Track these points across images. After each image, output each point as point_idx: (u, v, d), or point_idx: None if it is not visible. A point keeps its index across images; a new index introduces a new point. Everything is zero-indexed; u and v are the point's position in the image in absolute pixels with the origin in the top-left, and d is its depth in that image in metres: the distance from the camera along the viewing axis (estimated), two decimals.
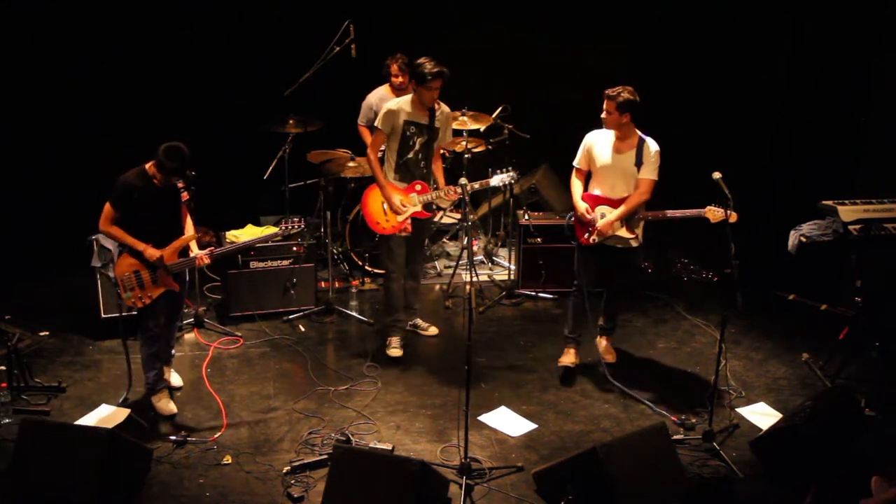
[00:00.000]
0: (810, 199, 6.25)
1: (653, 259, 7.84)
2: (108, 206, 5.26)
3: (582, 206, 5.79)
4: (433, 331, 6.59)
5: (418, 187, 6.02)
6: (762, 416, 5.63)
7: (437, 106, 5.97)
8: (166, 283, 5.36)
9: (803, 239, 6.08)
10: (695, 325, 6.84)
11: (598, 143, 5.77)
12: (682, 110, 7.92)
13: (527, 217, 7.24)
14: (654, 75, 8.05)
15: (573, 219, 5.91)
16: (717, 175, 5.19)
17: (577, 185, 5.89)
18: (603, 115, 5.66)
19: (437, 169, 6.17)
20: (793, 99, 7.46)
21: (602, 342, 6.23)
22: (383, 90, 7.47)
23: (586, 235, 5.82)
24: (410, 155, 5.99)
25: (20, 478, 4.62)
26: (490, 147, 7.55)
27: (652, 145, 5.68)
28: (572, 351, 6.10)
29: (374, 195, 6.08)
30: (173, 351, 5.88)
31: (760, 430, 5.41)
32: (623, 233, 5.75)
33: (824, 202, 6.03)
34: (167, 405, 5.54)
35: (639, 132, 5.71)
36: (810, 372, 6.15)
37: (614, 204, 5.73)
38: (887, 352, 6.07)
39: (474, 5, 8.15)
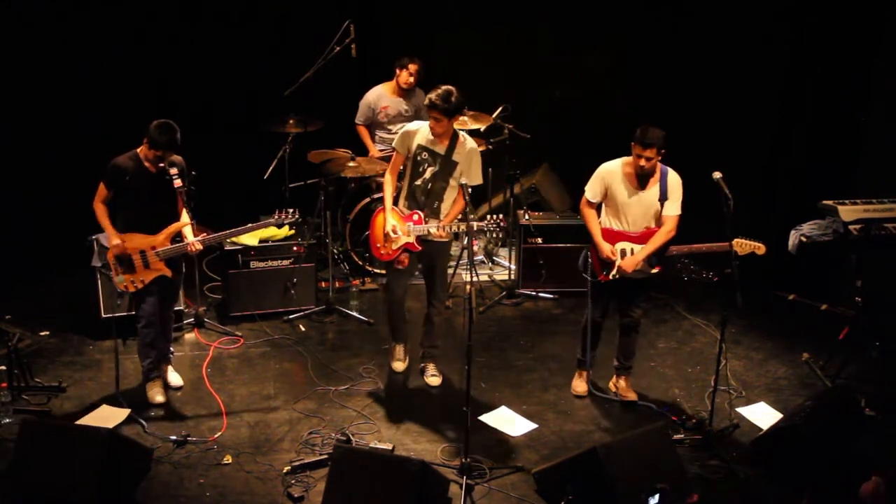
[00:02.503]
0: (810, 199, 6.26)
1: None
2: (101, 184, 5.40)
3: (607, 247, 5.44)
4: (434, 381, 5.99)
5: (415, 217, 5.62)
6: (762, 415, 5.63)
7: (460, 138, 5.56)
8: (158, 268, 5.42)
9: (804, 239, 6.08)
10: (695, 325, 6.85)
11: (617, 178, 5.41)
12: (683, 110, 7.91)
13: (527, 217, 7.24)
14: (655, 75, 8.07)
15: (591, 254, 5.60)
16: (717, 175, 5.17)
17: (594, 222, 5.52)
18: (642, 164, 5.25)
19: (455, 205, 5.62)
20: (793, 99, 7.46)
21: (621, 382, 5.84)
22: (381, 88, 7.49)
23: (605, 272, 5.52)
24: (419, 182, 5.60)
25: (20, 478, 4.62)
26: (490, 147, 7.55)
27: (675, 178, 5.39)
28: (585, 374, 5.90)
29: (380, 218, 5.76)
30: (171, 348, 5.90)
31: (760, 429, 5.41)
32: (646, 268, 5.48)
33: (824, 202, 6.03)
34: (157, 395, 5.63)
35: (659, 163, 5.37)
36: (810, 372, 6.15)
37: (635, 239, 5.45)
38: (887, 352, 6.08)
39: (474, 5, 8.15)
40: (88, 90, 7.38)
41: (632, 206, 5.42)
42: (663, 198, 5.37)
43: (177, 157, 5.50)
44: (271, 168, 7.26)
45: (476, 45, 8.18)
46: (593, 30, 8.16)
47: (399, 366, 6.10)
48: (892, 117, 6.90)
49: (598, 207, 5.57)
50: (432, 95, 5.38)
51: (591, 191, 5.51)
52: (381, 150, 7.51)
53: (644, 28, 8.09)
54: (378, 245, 5.76)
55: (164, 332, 5.75)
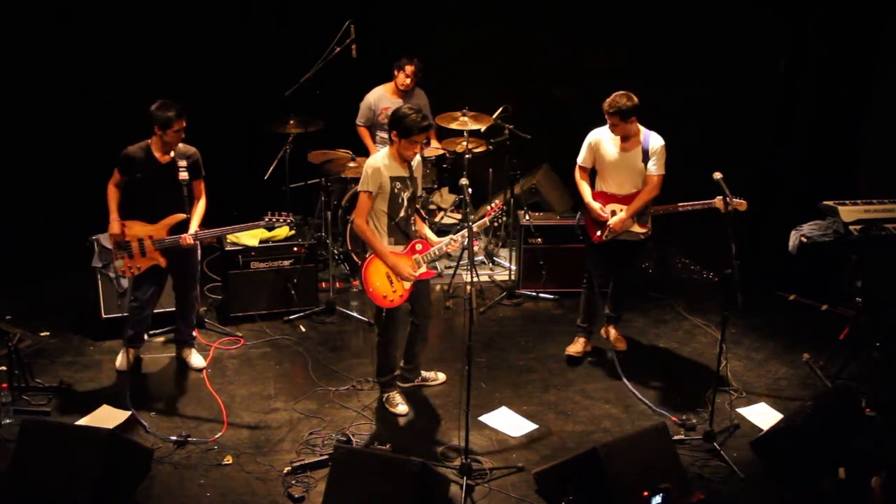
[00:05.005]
0: (811, 199, 6.26)
1: (653, 259, 7.84)
2: (115, 170, 5.63)
3: (596, 205, 5.87)
4: (441, 377, 5.99)
5: (419, 247, 5.42)
6: (763, 416, 5.63)
7: None
8: (153, 257, 5.63)
9: (804, 239, 6.08)
10: (695, 326, 6.84)
11: (604, 142, 5.84)
12: (683, 110, 7.91)
13: (527, 217, 7.24)
14: (655, 75, 8.06)
15: (584, 217, 6.01)
16: (717, 175, 5.20)
17: (585, 185, 5.95)
18: (610, 129, 5.76)
19: (420, 223, 5.58)
20: (793, 99, 7.46)
21: (611, 331, 6.32)
22: (381, 90, 7.50)
23: (598, 233, 5.90)
24: (402, 213, 5.37)
25: (20, 478, 4.62)
26: (490, 147, 7.55)
27: (657, 140, 5.77)
28: (582, 340, 6.25)
29: (374, 268, 5.36)
30: (194, 333, 6.14)
31: (761, 430, 5.41)
32: (636, 228, 5.86)
33: (825, 202, 6.03)
34: (123, 360, 5.94)
35: (642, 128, 5.78)
36: (811, 372, 6.15)
37: (623, 201, 5.83)
38: (887, 352, 6.07)
39: (475, 5, 8.15)
40: (88, 91, 7.38)
41: (618, 166, 5.81)
42: (646, 158, 5.74)
43: (190, 149, 5.70)
44: (271, 168, 7.26)
45: (476, 44, 8.18)
46: (593, 29, 8.16)
47: (404, 409, 5.67)
48: (893, 117, 6.90)
49: (591, 175, 5.97)
50: (417, 120, 5.16)
51: (581, 156, 5.94)
52: None
53: (644, 27, 8.09)
54: (385, 295, 5.37)
55: (185, 318, 6.04)
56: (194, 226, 5.66)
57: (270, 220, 5.73)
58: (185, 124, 5.52)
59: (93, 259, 6.26)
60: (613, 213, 5.85)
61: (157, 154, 5.58)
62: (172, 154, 5.60)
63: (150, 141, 5.58)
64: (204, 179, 5.79)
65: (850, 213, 5.93)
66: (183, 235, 5.59)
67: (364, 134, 7.59)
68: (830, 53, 7.16)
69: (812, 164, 7.35)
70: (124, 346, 5.96)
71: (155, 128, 5.48)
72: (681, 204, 5.85)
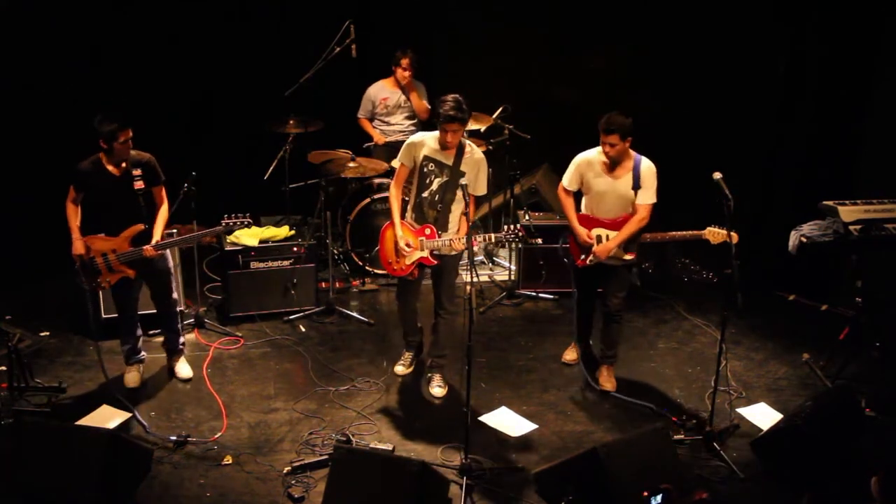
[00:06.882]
0: (810, 199, 6.26)
1: (653, 259, 7.84)
2: (70, 187, 5.59)
3: (583, 231, 5.63)
4: (440, 392, 5.89)
5: (427, 231, 5.52)
6: (763, 416, 5.63)
7: (467, 147, 5.46)
8: (121, 270, 5.58)
9: (804, 239, 6.08)
10: (695, 326, 6.84)
11: (594, 166, 5.57)
12: (683, 110, 7.92)
13: (527, 217, 7.24)
14: (655, 76, 8.06)
15: (568, 240, 5.84)
16: (717, 175, 5.17)
17: (570, 208, 5.74)
18: (606, 150, 5.43)
19: (463, 217, 5.46)
20: (793, 99, 7.46)
21: (602, 371, 5.98)
22: (381, 82, 7.56)
23: (582, 257, 5.70)
24: (426, 194, 5.50)
25: (20, 478, 4.62)
26: (490, 147, 7.54)
27: (648, 167, 5.49)
28: (577, 346, 6.17)
29: (389, 233, 5.66)
30: (181, 339, 6.07)
31: (761, 430, 5.41)
32: (620, 254, 5.63)
33: (825, 202, 6.03)
34: (132, 379, 5.85)
35: (633, 152, 5.52)
36: (811, 372, 6.15)
37: (610, 226, 5.60)
38: (887, 352, 6.07)
39: (475, 5, 8.15)
40: (88, 91, 7.38)
41: (606, 194, 5.58)
42: (636, 186, 5.50)
43: (144, 155, 5.59)
44: (271, 168, 7.26)
45: (476, 45, 8.18)
46: (593, 30, 8.16)
47: (401, 370, 6.05)
48: (893, 117, 6.90)
49: (576, 195, 5.76)
50: (446, 109, 5.21)
51: (567, 179, 5.70)
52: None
53: (644, 27, 8.09)
54: (390, 261, 5.66)
55: (169, 325, 5.96)
56: (157, 235, 5.57)
57: (228, 223, 5.70)
58: (130, 134, 5.38)
59: None
60: (599, 237, 5.61)
61: (108, 167, 5.47)
62: (124, 165, 5.49)
63: (100, 155, 5.48)
64: (164, 184, 5.68)
65: (850, 213, 5.93)
66: (145, 247, 5.51)
67: (365, 125, 7.68)
68: (830, 53, 7.17)
69: (812, 164, 7.35)
70: (126, 363, 5.90)
71: (101, 142, 5.38)
72: (670, 233, 5.65)
